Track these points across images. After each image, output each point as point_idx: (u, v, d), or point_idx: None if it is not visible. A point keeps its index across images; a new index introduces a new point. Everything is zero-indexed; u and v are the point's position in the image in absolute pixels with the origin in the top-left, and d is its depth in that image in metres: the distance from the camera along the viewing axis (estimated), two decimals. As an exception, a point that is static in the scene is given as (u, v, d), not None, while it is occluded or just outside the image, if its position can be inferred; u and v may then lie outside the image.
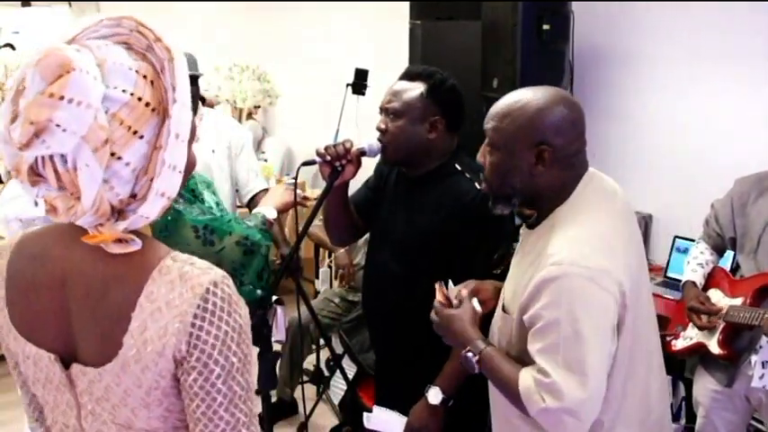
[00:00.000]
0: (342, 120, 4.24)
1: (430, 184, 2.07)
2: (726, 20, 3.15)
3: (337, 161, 2.01)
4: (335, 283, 4.12)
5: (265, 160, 5.72)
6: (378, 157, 2.11)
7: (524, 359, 1.51)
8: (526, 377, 1.47)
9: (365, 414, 2.16)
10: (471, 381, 1.95)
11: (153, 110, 0.99)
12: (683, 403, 3.01)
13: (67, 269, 1.06)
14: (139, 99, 0.97)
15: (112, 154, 0.96)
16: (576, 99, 1.60)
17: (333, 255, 4.14)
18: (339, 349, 3.54)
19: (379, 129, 2.07)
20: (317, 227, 3.23)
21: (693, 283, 2.50)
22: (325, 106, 4.71)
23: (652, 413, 1.60)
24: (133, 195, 1.00)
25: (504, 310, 1.62)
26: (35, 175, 0.98)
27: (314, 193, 4.88)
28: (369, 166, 2.28)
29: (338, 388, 3.69)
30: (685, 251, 3.18)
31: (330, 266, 4.58)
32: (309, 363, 3.97)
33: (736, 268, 2.52)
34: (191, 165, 1.08)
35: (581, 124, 1.55)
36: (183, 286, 1.02)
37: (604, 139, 3.70)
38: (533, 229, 1.60)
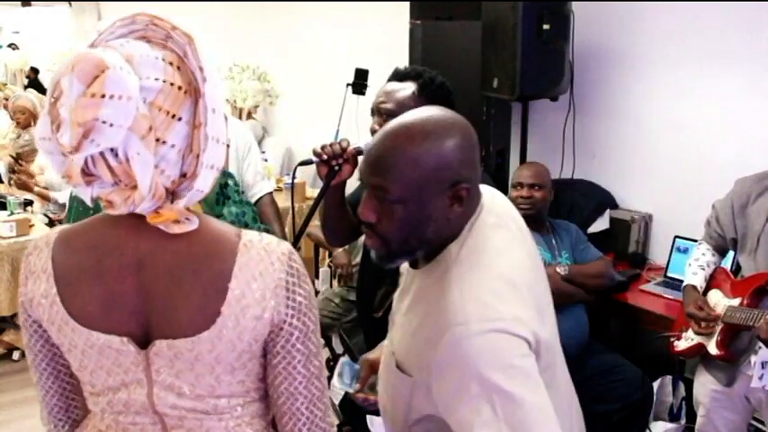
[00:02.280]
0: (342, 120, 4.25)
1: None
2: (726, 20, 3.15)
3: (334, 160, 2.01)
4: (335, 283, 4.12)
5: (265, 160, 5.71)
6: None
7: (428, 423, 1.32)
8: None
9: (368, 417, 2.15)
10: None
11: (185, 92, 1.05)
12: (683, 403, 3.00)
13: (143, 254, 1.10)
14: (172, 84, 1.04)
15: (157, 139, 1.02)
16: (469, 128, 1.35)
17: (332, 254, 4.13)
18: (339, 349, 3.54)
19: (372, 130, 2.07)
20: (317, 227, 3.22)
21: (694, 287, 2.50)
22: (325, 106, 4.72)
23: None
24: (183, 175, 1.07)
25: (397, 366, 1.37)
26: (87, 175, 1.04)
27: (313, 192, 4.88)
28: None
29: (338, 388, 3.69)
30: (686, 251, 3.17)
31: (330, 266, 4.57)
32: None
33: (737, 269, 2.51)
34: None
35: (477, 148, 1.35)
36: (270, 256, 1.12)
37: (604, 139, 3.71)
38: (418, 269, 1.39)
